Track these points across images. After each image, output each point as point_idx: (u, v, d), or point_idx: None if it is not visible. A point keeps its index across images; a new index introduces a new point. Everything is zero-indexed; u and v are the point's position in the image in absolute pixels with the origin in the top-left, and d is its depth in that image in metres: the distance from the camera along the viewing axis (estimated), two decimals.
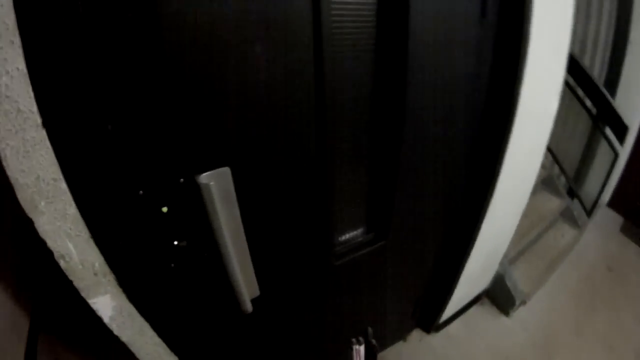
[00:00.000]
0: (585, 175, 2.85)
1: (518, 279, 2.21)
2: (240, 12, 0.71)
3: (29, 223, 0.64)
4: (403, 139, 1.14)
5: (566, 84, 1.76)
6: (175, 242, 0.87)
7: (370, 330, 0.93)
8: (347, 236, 1.32)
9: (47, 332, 0.98)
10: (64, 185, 0.64)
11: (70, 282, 0.74)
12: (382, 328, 1.79)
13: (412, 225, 1.44)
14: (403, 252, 1.50)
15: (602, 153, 2.69)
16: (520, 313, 2.19)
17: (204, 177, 0.79)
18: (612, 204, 3.21)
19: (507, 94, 1.25)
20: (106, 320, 0.83)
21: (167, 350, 1.02)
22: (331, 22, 0.85)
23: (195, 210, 0.82)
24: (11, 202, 0.62)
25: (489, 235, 1.68)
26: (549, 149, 2.52)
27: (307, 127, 0.94)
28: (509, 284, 2.15)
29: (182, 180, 0.80)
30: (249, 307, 1.00)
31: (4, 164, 0.57)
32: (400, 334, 2.04)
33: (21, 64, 0.53)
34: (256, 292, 1.07)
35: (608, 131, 2.54)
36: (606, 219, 3.08)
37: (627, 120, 2.36)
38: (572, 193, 2.80)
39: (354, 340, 0.90)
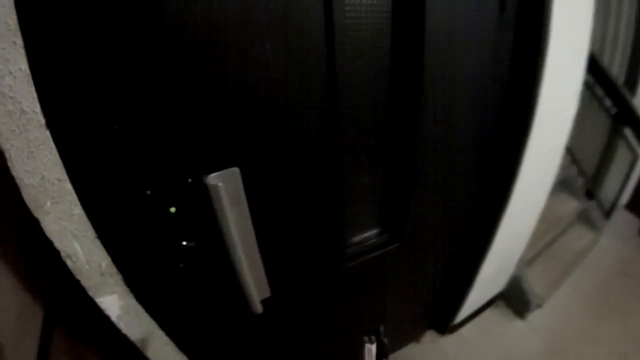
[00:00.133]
0: (603, 177, 2.78)
1: (534, 282, 2.16)
2: (249, 9, 0.69)
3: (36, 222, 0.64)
4: (419, 139, 1.11)
5: (585, 83, 1.72)
6: (184, 243, 0.86)
7: (382, 328, 0.92)
8: (361, 237, 1.30)
9: (62, 324, 0.98)
10: (68, 185, 0.64)
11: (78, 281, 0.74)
12: (395, 329, 1.77)
13: (428, 227, 1.41)
14: (417, 253, 1.47)
15: (621, 154, 2.63)
16: (534, 317, 2.14)
17: (212, 178, 0.78)
18: (630, 206, 3.12)
19: (526, 94, 1.21)
20: (114, 319, 0.83)
21: (176, 350, 1.02)
22: (344, 15, 0.82)
23: (204, 211, 0.80)
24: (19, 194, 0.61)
25: (505, 237, 1.64)
26: (568, 149, 2.46)
27: (317, 126, 0.92)
28: (525, 286, 2.10)
29: (190, 180, 0.78)
30: (258, 308, 0.99)
31: (9, 164, 0.57)
32: (413, 336, 2.02)
33: (24, 65, 0.52)
34: (267, 293, 1.06)
35: (627, 132, 2.48)
36: (624, 222, 2.99)
37: None
38: (590, 194, 2.74)
39: (365, 339, 0.88)
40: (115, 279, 0.78)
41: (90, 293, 0.76)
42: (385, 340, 0.88)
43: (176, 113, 0.71)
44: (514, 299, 2.18)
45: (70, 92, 0.59)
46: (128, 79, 0.63)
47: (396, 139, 1.13)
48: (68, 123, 0.60)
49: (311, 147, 0.93)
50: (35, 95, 0.55)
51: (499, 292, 2.20)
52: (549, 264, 2.37)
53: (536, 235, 1.99)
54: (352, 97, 0.96)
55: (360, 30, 0.90)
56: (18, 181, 0.59)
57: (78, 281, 0.74)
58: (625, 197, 3.04)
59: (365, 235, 1.31)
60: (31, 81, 0.54)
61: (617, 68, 2.67)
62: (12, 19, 0.49)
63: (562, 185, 2.58)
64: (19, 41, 0.50)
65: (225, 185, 0.78)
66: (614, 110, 2.47)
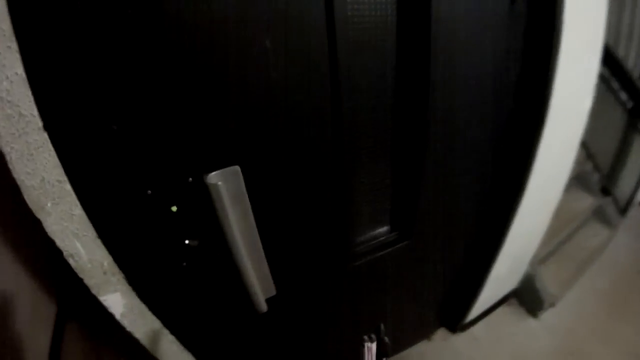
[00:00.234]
0: (619, 172, 2.70)
1: (547, 280, 2.12)
2: (249, 5, 0.69)
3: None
4: (428, 135, 1.09)
5: (600, 75, 1.68)
6: (187, 241, 0.87)
7: (382, 327, 0.91)
8: (369, 235, 1.29)
9: (74, 321, 0.99)
10: (68, 186, 0.65)
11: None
12: (405, 327, 1.77)
13: (438, 224, 1.40)
14: (428, 251, 1.46)
15: (638, 149, 2.56)
16: (547, 316, 2.10)
17: (212, 177, 0.78)
18: None
19: (539, 87, 1.18)
20: (117, 317, 0.85)
21: (181, 348, 1.03)
22: (346, 6, 0.81)
23: (205, 210, 0.80)
24: None
25: (518, 234, 1.61)
26: (583, 144, 2.40)
27: (322, 122, 0.91)
28: (538, 285, 2.07)
29: (190, 179, 0.79)
30: (263, 306, 0.98)
31: (10, 166, 0.58)
32: (425, 333, 2.01)
33: (20, 69, 0.53)
34: (272, 291, 1.06)
35: None
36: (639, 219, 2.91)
37: None
38: (605, 191, 2.67)
39: (365, 337, 0.87)
40: (117, 277, 0.79)
41: (94, 291, 0.77)
42: (386, 339, 0.86)
43: (175, 112, 0.71)
44: (527, 297, 2.15)
45: (66, 94, 0.60)
46: (125, 79, 0.64)
47: (404, 134, 1.11)
48: (66, 125, 0.61)
49: (315, 144, 0.93)
50: (32, 98, 0.56)
51: (511, 290, 2.17)
52: (563, 262, 2.32)
53: (550, 233, 1.95)
54: (355, 92, 0.95)
55: (363, 22, 0.89)
56: (19, 183, 0.60)
57: (81, 280, 0.75)
58: None
59: (374, 233, 1.31)
60: (28, 85, 0.54)
61: (632, 60, 2.61)
62: (6, 24, 0.49)
63: (576, 180, 2.53)
64: (14, 46, 0.51)
65: (226, 184, 0.78)
66: (630, 104, 2.41)
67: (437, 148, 1.15)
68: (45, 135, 0.58)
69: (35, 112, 0.56)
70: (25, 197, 0.62)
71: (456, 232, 1.51)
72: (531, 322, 2.09)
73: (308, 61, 0.81)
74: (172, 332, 0.98)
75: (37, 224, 0.65)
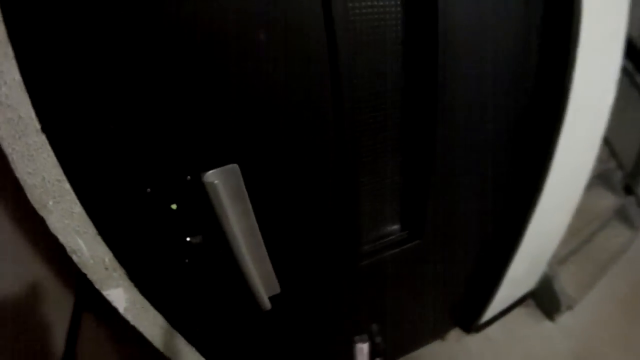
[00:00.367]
0: None
1: (566, 282, 2.06)
2: (245, 2, 0.69)
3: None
4: (438, 131, 1.06)
5: (623, 69, 1.60)
6: (188, 239, 0.88)
7: (374, 327, 0.90)
8: (378, 234, 1.28)
9: (91, 311, 1.03)
10: (67, 185, 0.67)
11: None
12: (417, 326, 1.76)
13: (450, 223, 1.37)
14: (440, 251, 1.44)
15: None
16: (564, 319, 2.04)
17: (209, 175, 0.79)
18: None
19: (558, 82, 1.14)
20: (121, 311, 0.87)
21: (184, 342, 1.06)
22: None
23: (204, 208, 0.82)
24: None
25: (537, 234, 1.57)
26: (606, 141, 2.31)
27: (325, 118, 0.90)
28: (556, 287, 2.01)
29: (189, 177, 0.80)
30: (267, 304, 0.99)
31: (12, 166, 0.62)
32: (438, 333, 1.99)
33: (17, 74, 0.56)
34: (276, 289, 1.06)
35: None
36: None
37: None
38: (628, 190, 2.57)
39: (357, 338, 0.87)
40: (119, 273, 0.82)
41: (97, 286, 0.80)
42: (379, 340, 0.86)
43: (173, 110, 0.72)
44: (544, 299, 2.10)
45: (63, 95, 0.62)
46: (122, 79, 0.66)
47: (413, 129, 1.09)
48: (63, 126, 0.64)
49: (319, 142, 0.92)
50: (29, 102, 0.58)
51: (528, 291, 2.12)
52: (583, 264, 2.25)
53: (570, 233, 1.89)
54: (360, 87, 0.93)
55: (366, 14, 0.87)
56: (22, 182, 0.63)
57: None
58: None
59: (384, 232, 1.29)
60: (25, 89, 0.57)
61: None
62: (1, 31, 0.51)
63: (598, 179, 2.44)
64: (10, 52, 0.53)
65: (223, 182, 0.79)
66: None
67: (447, 145, 1.12)
68: (44, 136, 0.61)
69: (33, 115, 0.59)
70: (28, 195, 0.65)
71: (470, 231, 1.48)
72: (547, 324, 2.04)
73: (309, 53, 0.80)
74: (176, 327, 1.01)
75: None
